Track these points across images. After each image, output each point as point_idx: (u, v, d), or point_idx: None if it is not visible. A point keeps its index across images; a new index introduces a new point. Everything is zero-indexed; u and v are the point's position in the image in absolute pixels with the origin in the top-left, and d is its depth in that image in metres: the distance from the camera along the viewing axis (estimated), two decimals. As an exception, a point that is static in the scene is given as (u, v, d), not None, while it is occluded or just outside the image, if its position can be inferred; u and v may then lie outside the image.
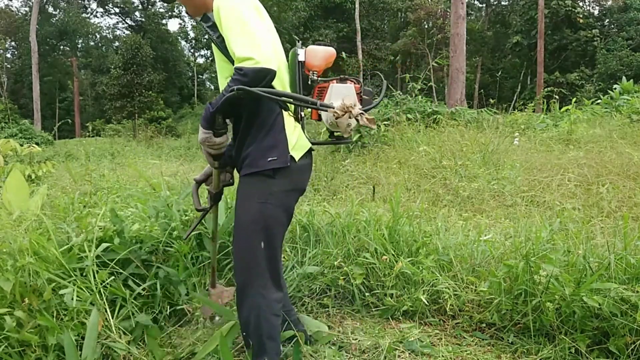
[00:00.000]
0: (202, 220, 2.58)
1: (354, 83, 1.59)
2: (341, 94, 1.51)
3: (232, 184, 1.92)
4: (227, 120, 1.65)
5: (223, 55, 1.67)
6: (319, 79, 1.66)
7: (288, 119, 1.68)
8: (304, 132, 1.76)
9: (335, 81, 1.58)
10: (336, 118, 1.43)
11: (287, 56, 1.80)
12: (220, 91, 1.62)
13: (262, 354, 1.71)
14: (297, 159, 1.67)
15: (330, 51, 1.69)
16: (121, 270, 2.22)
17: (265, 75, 1.49)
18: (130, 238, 2.31)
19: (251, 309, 1.69)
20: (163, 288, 2.29)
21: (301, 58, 1.65)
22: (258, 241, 1.65)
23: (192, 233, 2.22)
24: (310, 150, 1.78)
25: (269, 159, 1.61)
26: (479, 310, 2.43)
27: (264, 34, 1.56)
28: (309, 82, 1.65)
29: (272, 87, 1.62)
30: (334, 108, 1.44)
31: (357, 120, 1.43)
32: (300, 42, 1.77)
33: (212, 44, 1.71)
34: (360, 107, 1.47)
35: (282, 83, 1.71)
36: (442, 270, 2.61)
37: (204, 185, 1.97)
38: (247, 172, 1.66)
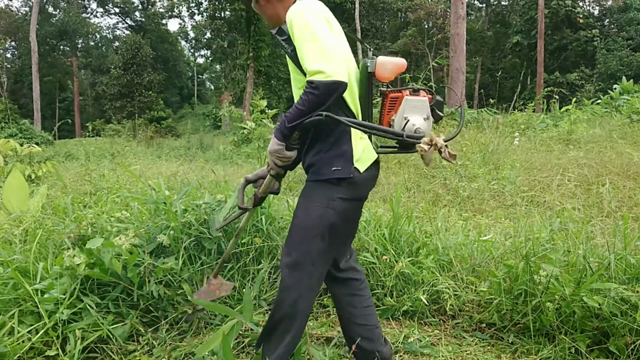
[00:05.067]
0: (204, 222, 2.60)
1: (427, 94, 1.54)
2: (416, 109, 1.49)
3: (278, 193, 1.95)
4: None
5: (296, 67, 1.68)
6: (388, 89, 1.62)
7: (355, 130, 1.66)
8: (371, 143, 1.74)
9: (408, 92, 1.53)
10: (421, 153, 1.38)
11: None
12: (295, 102, 1.63)
13: (270, 350, 1.71)
14: (361, 171, 1.65)
15: (400, 63, 1.62)
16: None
17: (337, 89, 1.50)
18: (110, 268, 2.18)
19: (288, 307, 1.69)
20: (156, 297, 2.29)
21: (371, 69, 1.61)
22: (313, 244, 1.65)
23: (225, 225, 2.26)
24: (376, 161, 1.77)
25: (333, 169, 1.63)
26: (479, 310, 2.43)
27: (334, 46, 1.56)
28: (379, 94, 1.63)
29: (344, 100, 1.65)
30: (420, 142, 1.39)
31: (440, 152, 1.36)
32: (371, 50, 1.71)
33: (287, 57, 1.73)
34: (444, 138, 1.39)
35: (351, 94, 1.70)
36: (442, 270, 2.61)
37: (252, 185, 1.97)
38: (312, 179, 1.69)
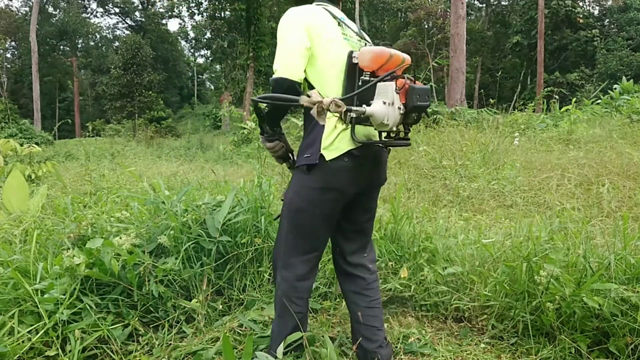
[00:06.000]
0: (204, 222, 2.60)
1: (405, 80, 1.55)
2: (380, 94, 1.54)
3: None
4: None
5: None
6: (371, 78, 1.61)
7: (331, 120, 1.68)
8: (352, 135, 1.66)
9: (387, 79, 1.57)
10: (313, 113, 1.52)
11: None
12: None
13: (275, 324, 1.86)
14: (327, 159, 1.67)
15: (381, 52, 1.60)
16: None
17: (283, 84, 1.62)
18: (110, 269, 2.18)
19: (277, 283, 1.86)
20: (156, 298, 2.30)
21: (355, 60, 1.67)
22: (285, 225, 1.82)
23: None
24: (350, 153, 1.69)
25: (305, 156, 1.72)
26: (479, 310, 2.43)
27: (292, 48, 1.67)
28: (360, 83, 1.63)
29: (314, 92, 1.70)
30: (309, 103, 1.52)
31: (329, 110, 1.48)
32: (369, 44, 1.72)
33: None
34: (337, 100, 1.48)
35: (321, 85, 1.70)
36: (442, 271, 2.60)
37: None
38: (295, 166, 1.82)
